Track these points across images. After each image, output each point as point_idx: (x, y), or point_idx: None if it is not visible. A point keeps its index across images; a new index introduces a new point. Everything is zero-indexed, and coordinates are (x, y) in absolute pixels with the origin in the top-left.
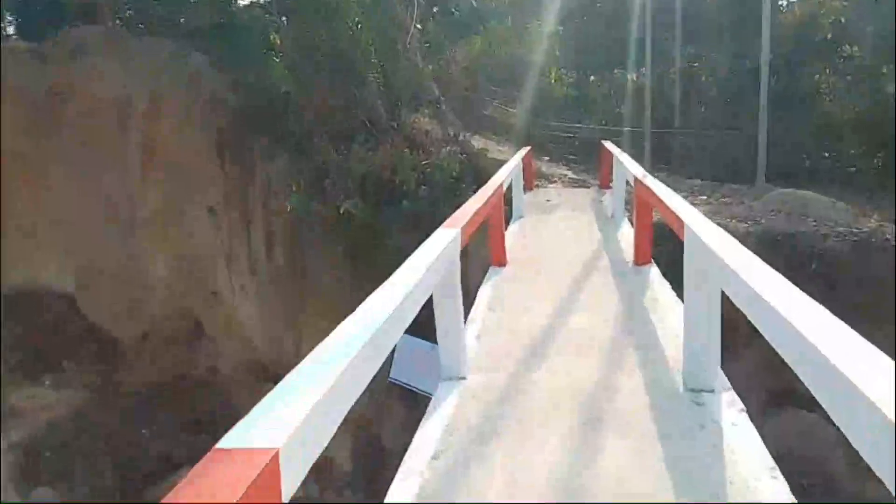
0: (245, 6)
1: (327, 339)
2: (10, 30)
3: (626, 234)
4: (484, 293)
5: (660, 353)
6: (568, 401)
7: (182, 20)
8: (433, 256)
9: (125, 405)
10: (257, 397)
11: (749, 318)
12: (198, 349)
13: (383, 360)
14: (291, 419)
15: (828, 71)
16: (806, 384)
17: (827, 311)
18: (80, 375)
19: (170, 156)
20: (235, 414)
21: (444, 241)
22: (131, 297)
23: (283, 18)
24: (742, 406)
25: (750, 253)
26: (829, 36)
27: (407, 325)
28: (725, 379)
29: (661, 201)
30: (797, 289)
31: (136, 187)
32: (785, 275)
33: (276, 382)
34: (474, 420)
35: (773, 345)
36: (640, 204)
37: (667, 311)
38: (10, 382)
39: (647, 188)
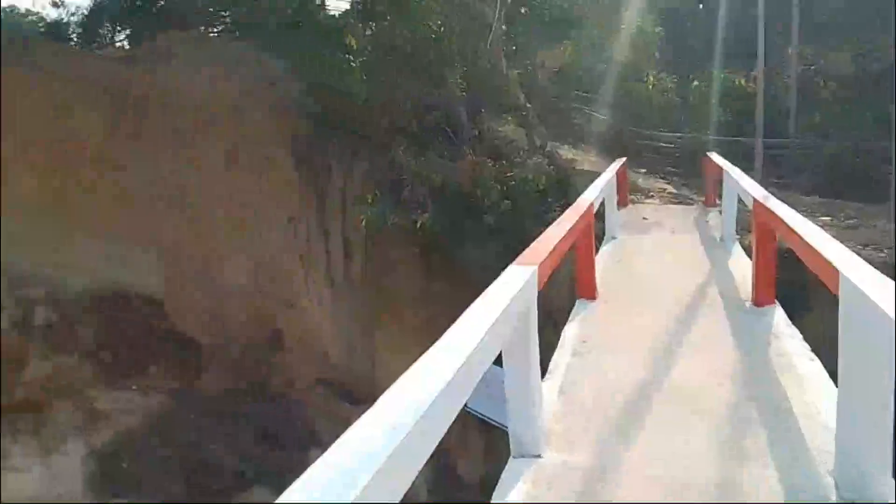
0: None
1: (390, 398)
2: (109, 37)
3: (740, 264)
4: (570, 333)
5: (795, 436)
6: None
7: (263, 24)
8: (502, 304)
9: (203, 414)
10: (331, 417)
11: None
12: (276, 359)
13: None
14: (360, 477)
15: None
16: None
17: None
18: (163, 380)
19: (250, 161)
20: (308, 431)
21: (516, 282)
22: (214, 303)
23: (362, 21)
24: None
25: None
26: None
27: (468, 395)
28: None
29: (795, 234)
30: None
31: (218, 193)
32: None
33: (349, 402)
34: None
35: None
36: (760, 231)
37: (801, 373)
38: (98, 385)
39: (773, 213)
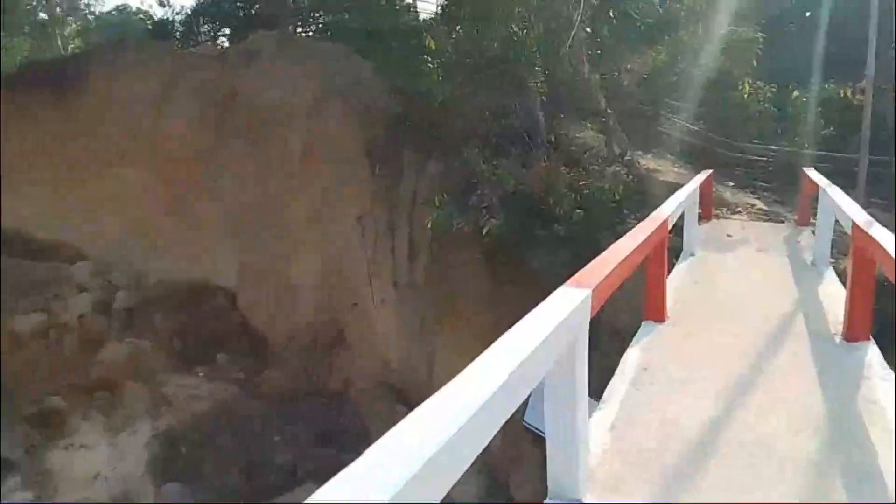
0: (404, 9)
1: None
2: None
3: (832, 292)
4: (630, 359)
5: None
6: None
7: (352, 26)
8: (544, 332)
9: (264, 406)
10: (386, 420)
11: None
12: (337, 358)
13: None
14: (399, 476)
15: None
16: None
17: None
18: (229, 370)
19: (326, 159)
20: (363, 433)
21: (565, 307)
22: (283, 298)
23: (446, 24)
24: None
25: None
26: None
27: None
28: None
29: None
30: None
31: (294, 191)
32: None
33: (407, 406)
34: None
35: None
36: (858, 259)
37: (888, 411)
38: (168, 369)
39: (874, 241)
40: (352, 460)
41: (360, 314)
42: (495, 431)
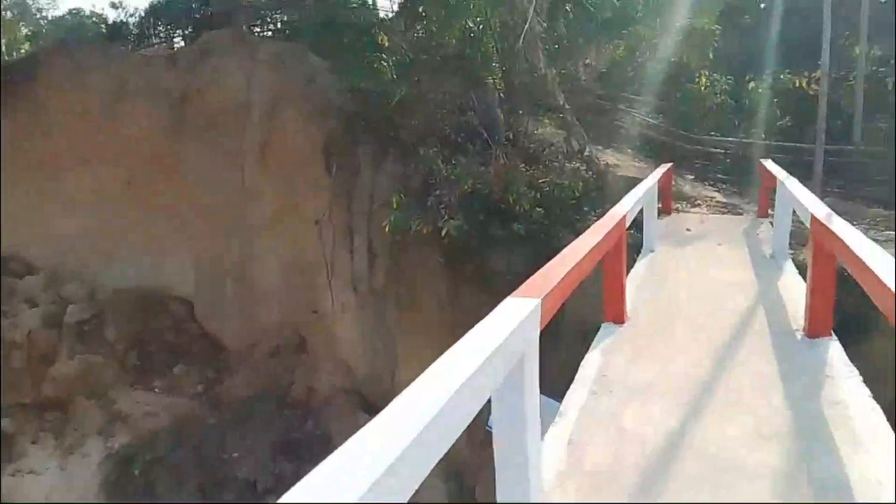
0: (361, 6)
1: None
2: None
3: (792, 285)
4: (589, 365)
5: None
6: None
7: (308, 24)
8: (490, 348)
9: (223, 419)
10: (349, 428)
11: None
12: (298, 366)
13: None
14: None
15: None
16: None
17: None
18: (187, 383)
19: (284, 163)
20: (327, 442)
21: (513, 319)
22: (242, 305)
23: (404, 20)
24: None
25: None
26: None
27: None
28: None
29: (862, 264)
30: None
31: (251, 194)
32: None
33: (370, 413)
34: None
35: None
36: (818, 254)
37: (860, 431)
38: (123, 385)
39: (835, 236)
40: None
41: (321, 320)
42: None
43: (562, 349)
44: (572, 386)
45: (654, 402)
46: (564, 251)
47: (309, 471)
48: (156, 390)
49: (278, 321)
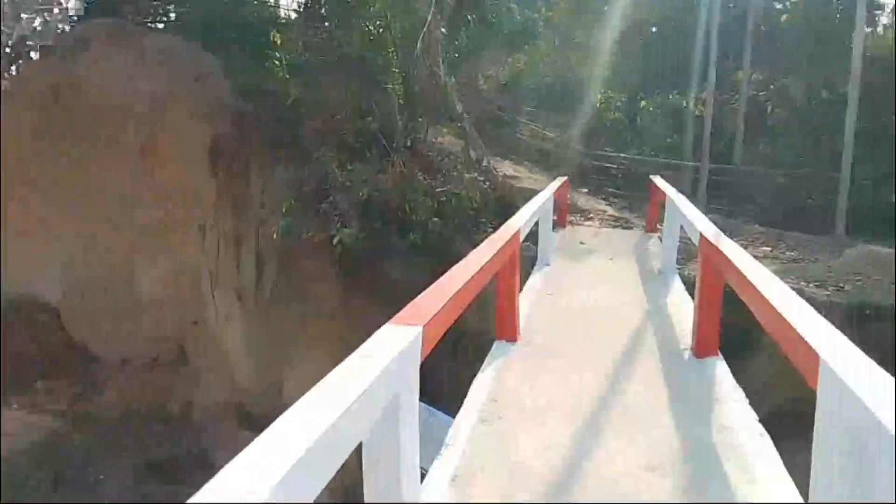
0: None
1: None
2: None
3: (680, 302)
4: (479, 387)
5: None
6: None
7: (200, 18)
8: (362, 385)
9: (90, 438)
10: (231, 447)
11: None
12: (177, 380)
13: None
14: None
15: None
16: None
17: None
18: (51, 399)
19: (167, 165)
20: (204, 461)
21: (389, 351)
22: (117, 314)
23: (305, 20)
24: None
25: None
26: None
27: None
28: None
29: (757, 294)
30: None
31: (131, 196)
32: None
33: (253, 430)
34: None
35: None
36: (706, 273)
37: (751, 459)
38: None
39: (723, 255)
40: (187, 493)
41: (204, 331)
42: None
43: (466, 362)
44: (461, 413)
45: (545, 430)
46: (452, 270)
47: (180, 492)
48: (13, 408)
49: (155, 332)
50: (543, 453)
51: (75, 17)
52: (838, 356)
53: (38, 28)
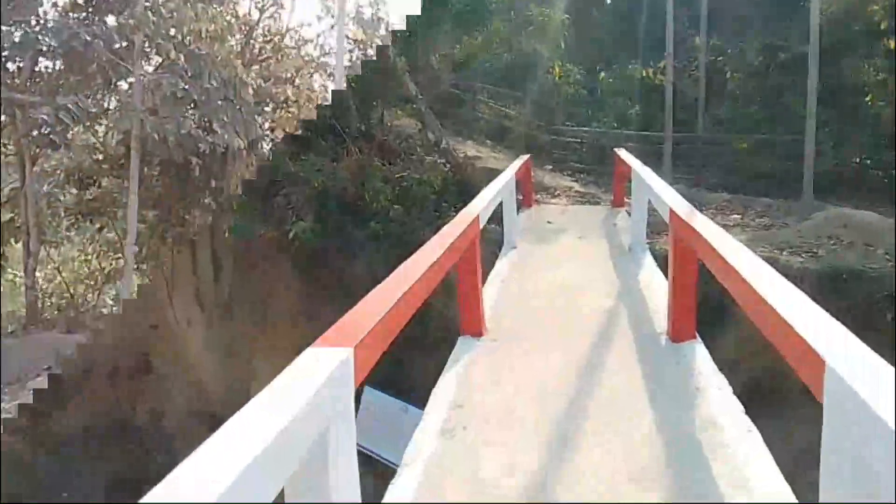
0: None
1: None
2: None
3: (652, 281)
4: (443, 392)
5: None
6: None
7: None
8: (283, 420)
9: (52, 455)
10: None
11: None
12: (143, 388)
13: None
14: None
15: (878, 65)
16: None
17: None
18: (9, 416)
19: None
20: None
21: (314, 379)
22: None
23: None
24: None
25: None
26: (884, 25)
27: None
28: None
29: (727, 265)
30: None
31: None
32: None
33: None
34: None
35: None
36: (678, 252)
37: (741, 458)
38: None
39: (696, 233)
40: None
41: (166, 337)
42: None
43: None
44: (421, 423)
45: (514, 439)
46: (391, 276)
47: None
48: None
49: (114, 340)
50: (512, 466)
51: None
52: (810, 327)
53: None
